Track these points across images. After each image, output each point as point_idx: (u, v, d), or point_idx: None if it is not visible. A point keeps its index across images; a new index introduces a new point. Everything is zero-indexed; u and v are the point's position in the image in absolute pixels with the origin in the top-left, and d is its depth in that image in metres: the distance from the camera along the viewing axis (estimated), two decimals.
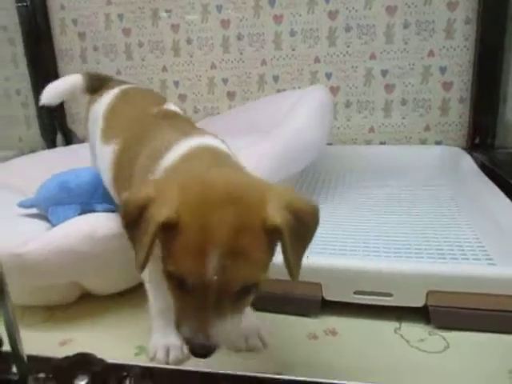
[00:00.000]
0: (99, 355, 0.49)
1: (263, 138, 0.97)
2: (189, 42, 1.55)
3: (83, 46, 1.63)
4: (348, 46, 1.44)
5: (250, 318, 0.63)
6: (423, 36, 1.38)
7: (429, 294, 0.64)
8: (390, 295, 0.66)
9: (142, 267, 0.45)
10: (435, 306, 0.65)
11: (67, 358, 0.49)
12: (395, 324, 0.66)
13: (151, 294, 0.62)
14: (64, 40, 1.64)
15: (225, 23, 1.50)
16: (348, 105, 1.50)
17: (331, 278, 0.68)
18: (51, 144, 1.67)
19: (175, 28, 1.54)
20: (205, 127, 1.36)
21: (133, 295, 0.76)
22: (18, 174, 1.03)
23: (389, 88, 1.45)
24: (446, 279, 0.64)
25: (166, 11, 1.53)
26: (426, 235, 0.82)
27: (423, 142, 1.47)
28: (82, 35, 1.63)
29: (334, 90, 1.48)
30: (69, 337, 0.67)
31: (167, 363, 0.58)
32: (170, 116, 0.71)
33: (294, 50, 1.48)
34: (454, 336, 0.63)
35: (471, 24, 1.34)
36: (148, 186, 0.47)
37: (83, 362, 0.48)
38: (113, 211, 0.75)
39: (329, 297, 0.69)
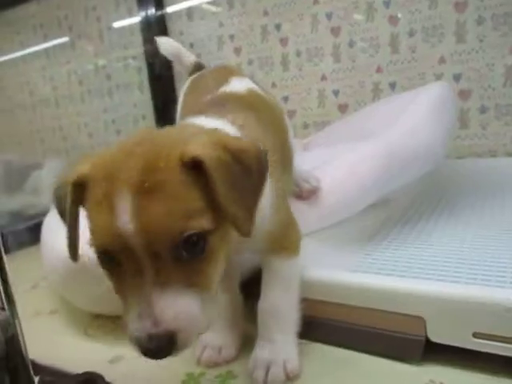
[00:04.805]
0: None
1: (365, 142, 0.83)
2: (298, 54, 1.48)
3: None
4: (481, 41, 1.21)
5: (279, 344, 0.51)
6: None
7: None
8: None
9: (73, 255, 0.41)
10: None
11: (75, 375, 0.43)
12: None
13: None
14: None
15: (335, 31, 1.40)
16: (483, 110, 1.25)
17: (439, 312, 0.50)
18: None
19: (284, 42, 1.49)
20: (316, 141, 1.26)
21: None
22: None
23: None
24: None
25: (276, 26, 1.49)
26: None
27: None
28: (197, 57, 1.68)
29: (464, 94, 1.26)
30: (120, 353, 0.61)
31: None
32: (216, 103, 0.60)
33: (413, 51, 1.30)
34: None
35: None
36: None
37: (90, 381, 0.42)
38: None
39: (435, 338, 0.51)
